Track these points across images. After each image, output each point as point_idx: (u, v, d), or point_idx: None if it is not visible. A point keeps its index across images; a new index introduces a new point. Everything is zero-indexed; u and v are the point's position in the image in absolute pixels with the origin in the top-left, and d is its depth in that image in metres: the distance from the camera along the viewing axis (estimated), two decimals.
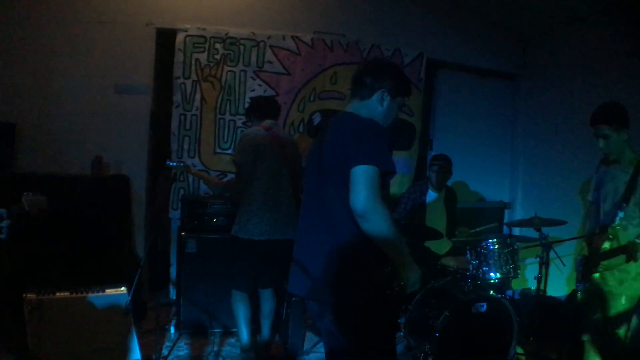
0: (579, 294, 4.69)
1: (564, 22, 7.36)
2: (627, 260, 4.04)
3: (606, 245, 4.23)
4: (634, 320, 4.40)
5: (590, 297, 4.54)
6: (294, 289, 3.34)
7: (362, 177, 2.87)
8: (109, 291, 4.55)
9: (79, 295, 4.41)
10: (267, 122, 5.18)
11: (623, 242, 4.20)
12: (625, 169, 4.32)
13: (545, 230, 5.44)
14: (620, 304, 4.29)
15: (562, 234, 6.18)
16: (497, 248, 5.54)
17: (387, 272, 3.06)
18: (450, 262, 6.15)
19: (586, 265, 4.47)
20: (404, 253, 3.05)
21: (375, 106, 3.28)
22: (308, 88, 7.02)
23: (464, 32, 8.00)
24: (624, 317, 4.33)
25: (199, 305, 5.74)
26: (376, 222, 2.87)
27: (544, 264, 5.37)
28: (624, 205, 4.18)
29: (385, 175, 3.01)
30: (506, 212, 8.80)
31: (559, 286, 7.13)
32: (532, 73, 8.38)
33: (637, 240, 4.01)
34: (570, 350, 5.61)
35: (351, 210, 2.91)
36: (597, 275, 4.34)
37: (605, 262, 4.25)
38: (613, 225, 4.20)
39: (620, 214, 4.17)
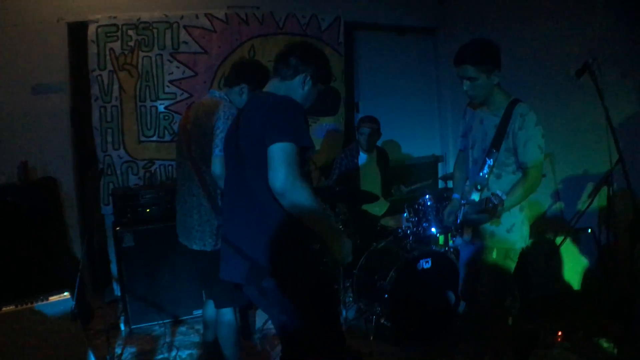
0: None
1: None
2: (490, 218, 3.76)
3: (475, 196, 4.04)
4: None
5: (463, 252, 4.48)
6: (228, 275, 3.36)
7: (279, 154, 2.89)
8: (52, 298, 4.47)
9: (25, 307, 4.35)
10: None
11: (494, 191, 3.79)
12: (495, 112, 4.00)
13: None
14: (492, 258, 4.07)
15: None
16: (435, 203, 5.69)
17: (317, 248, 3.12)
18: (390, 222, 6.35)
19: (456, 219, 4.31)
20: (331, 227, 3.14)
21: (295, 88, 3.32)
22: (227, 64, 6.98)
23: None
24: (497, 275, 4.11)
25: (144, 298, 5.77)
26: (297, 199, 2.91)
27: None
28: (494, 151, 3.95)
29: (304, 151, 3.05)
30: (440, 165, 9.03)
31: None
32: (451, 25, 8.57)
33: (499, 193, 3.63)
34: (521, 295, 5.83)
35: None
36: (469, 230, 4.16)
37: (473, 217, 3.98)
38: (481, 174, 4.00)
39: (489, 162, 3.97)
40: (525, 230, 4.11)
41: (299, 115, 3.06)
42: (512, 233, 4.02)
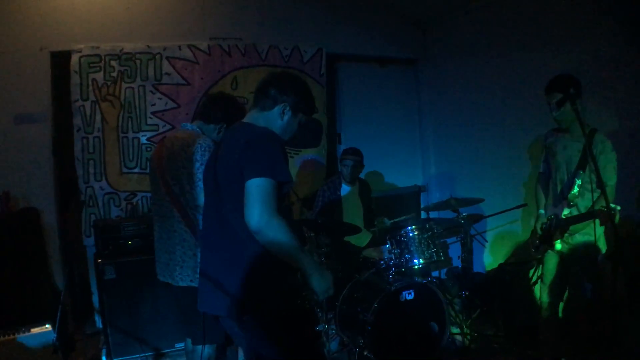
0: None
1: (459, 5, 7.76)
2: (602, 224, 4.33)
3: (566, 211, 4.71)
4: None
5: (550, 261, 5.04)
6: (206, 307, 3.38)
7: (255, 191, 2.93)
8: (34, 330, 4.55)
9: (7, 338, 4.42)
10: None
11: (582, 208, 4.72)
12: (577, 139, 4.71)
13: (464, 209, 5.76)
14: (579, 265, 4.82)
15: (482, 211, 6.53)
16: (417, 234, 5.79)
17: (297, 282, 3.18)
18: (372, 253, 6.41)
19: (547, 232, 4.87)
20: (309, 262, 3.15)
21: (275, 119, 3.35)
22: None
23: (361, 22, 8.27)
24: (581, 278, 4.89)
25: (126, 331, 5.79)
26: (273, 236, 2.94)
27: (465, 243, 5.71)
28: (581, 172, 4.61)
29: (281, 185, 3.07)
30: (422, 195, 9.15)
31: (485, 262, 7.62)
32: (432, 56, 8.77)
33: (614, 205, 4.21)
34: (505, 324, 6.01)
35: None
36: (558, 240, 4.78)
37: (573, 227, 4.68)
38: (572, 192, 4.61)
39: (579, 182, 4.59)
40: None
41: (277, 148, 3.09)
42: (599, 242, 4.67)
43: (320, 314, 5.82)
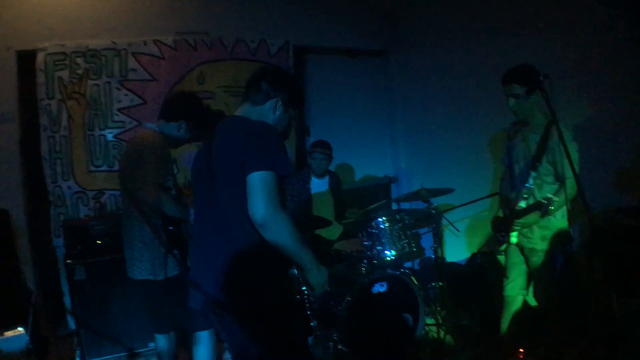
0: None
1: None
2: (542, 216, 4.46)
3: (522, 204, 4.66)
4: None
5: (510, 254, 5.09)
6: (196, 303, 3.34)
7: (259, 184, 2.92)
8: (7, 334, 4.55)
9: None
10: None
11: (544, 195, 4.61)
12: (536, 130, 4.69)
13: (434, 199, 5.81)
14: (542, 259, 4.74)
15: (453, 200, 6.59)
16: (388, 226, 5.83)
17: (291, 275, 3.23)
18: (344, 246, 6.43)
19: (503, 225, 4.89)
20: (308, 257, 3.19)
21: (267, 113, 3.36)
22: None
23: (329, 14, 8.28)
24: (547, 272, 4.77)
25: (99, 331, 5.79)
26: (278, 230, 2.95)
27: (437, 233, 5.76)
28: (537, 164, 4.59)
29: (282, 179, 3.08)
30: (393, 186, 9.22)
31: (458, 251, 7.63)
32: (401, 47, 8.82)
33: (549, 195, 4.34)
34: (480, 313, 6.08)
35: (249, 217, 2.94)
36: (514, 234, 4.77)
37: (521, 221, 4.65)
38: (527, 185, 4.60)
39: (533, 174, 4.58)
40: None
41: (277, 142, 3.12)
42: (559, 236, 4.69)
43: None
